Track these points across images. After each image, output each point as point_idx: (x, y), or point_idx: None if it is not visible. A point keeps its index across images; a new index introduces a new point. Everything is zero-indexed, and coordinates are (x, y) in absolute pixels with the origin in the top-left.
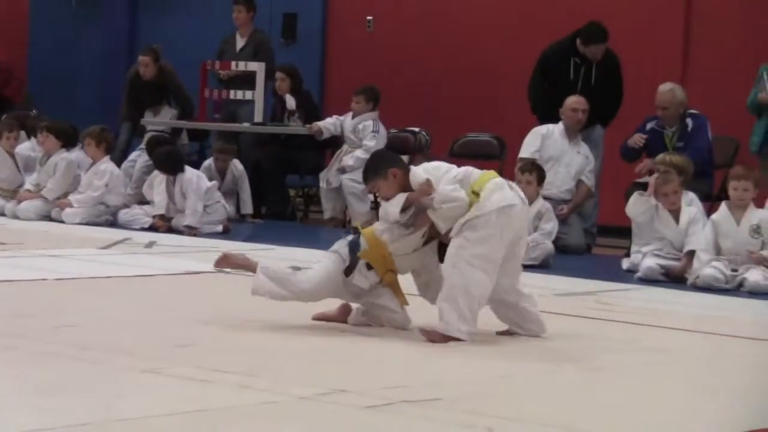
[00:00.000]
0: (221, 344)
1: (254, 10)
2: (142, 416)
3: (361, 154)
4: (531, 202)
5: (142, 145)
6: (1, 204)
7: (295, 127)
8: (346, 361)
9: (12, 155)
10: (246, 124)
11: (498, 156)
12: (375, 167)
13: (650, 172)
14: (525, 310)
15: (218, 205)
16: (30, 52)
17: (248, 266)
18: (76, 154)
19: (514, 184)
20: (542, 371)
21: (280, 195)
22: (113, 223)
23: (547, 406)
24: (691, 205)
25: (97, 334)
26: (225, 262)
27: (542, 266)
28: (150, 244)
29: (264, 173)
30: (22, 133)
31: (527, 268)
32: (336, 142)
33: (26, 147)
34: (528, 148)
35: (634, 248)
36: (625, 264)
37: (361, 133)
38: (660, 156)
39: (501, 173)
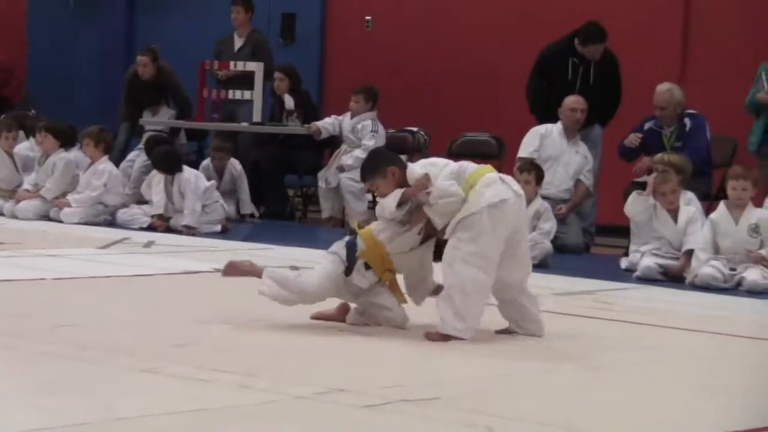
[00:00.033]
0: (220, 344)
1: (252, 11)
2: (140, 415)
3: (360, 153)
4: (529, 201)
5: (141, 145)
6: None
7: (293, 126)
8: (344, 361)
9: (10, 155)
10: (244, 124)
11: (497, 155)
12: (373, 166)
13: (649, 172)
14: (525, 309)
15: (217, 205)
16: (29, 52)
17: (255, 272)
18: (74, 153)
19: (508, 178)
20: (541, 370)
21: (279, 195)
22: (112, 223)
23: (545, 405)
24: (689, 204)
25: (95, 334)
26: (232, 270)
27: (541, 266)
28: (148, 244)
29: (262, 173)
30: (21, 133)
31: None
32: (334, 141)
33: (25, 147)
34: (526, 148)
35: (632, 247)
36: (624, 263)
37: (359, 132)
38: (658, 155)
39: (499, 173)
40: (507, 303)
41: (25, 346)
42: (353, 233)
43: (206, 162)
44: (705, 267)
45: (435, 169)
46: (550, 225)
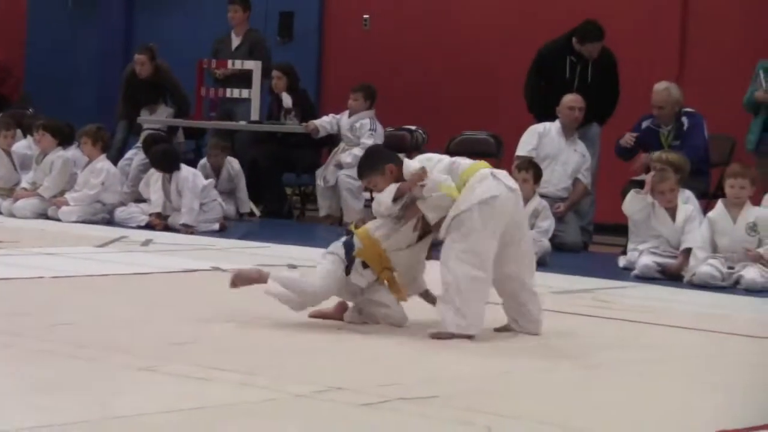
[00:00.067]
0: (218, 342)
1: (249, 10)
2: (138, 414)
3: (358, 151)
4: (528, 200)
5: (139, 144)
6: None
7: (291, 125)
8: (342, 359)
9: (8, 153)
10: (242, 123)
11: (495, 154)
12: (371, 163)
13: (647, 170)
14: (526, 308)
15: (215, 203)
16: (27, 53)
17: (262, 279)
18: (72, 152)
19: (501, 173)
20: (539, 368)
21: (277, 193)
22: (110, 221)
23: (544, 403)
24: (687, 202)
25: (93, 332)
26: (239, 280)
27: (539, 264)
28: (146, 242)
29: (260, 171)
30: (18, 132)
31: None
32: (332, 140)
33: (22, 145)
34: (525, 146)
35: (630, 246)
36: (622, 262)
37: (358, 131)
38: (656, 154)
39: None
40: (508, 297)
41: (22, 345)
42: (350, 233)
43: (204, 160)
44: (703, 265)
45: (430, 164)
46: (548, 223)
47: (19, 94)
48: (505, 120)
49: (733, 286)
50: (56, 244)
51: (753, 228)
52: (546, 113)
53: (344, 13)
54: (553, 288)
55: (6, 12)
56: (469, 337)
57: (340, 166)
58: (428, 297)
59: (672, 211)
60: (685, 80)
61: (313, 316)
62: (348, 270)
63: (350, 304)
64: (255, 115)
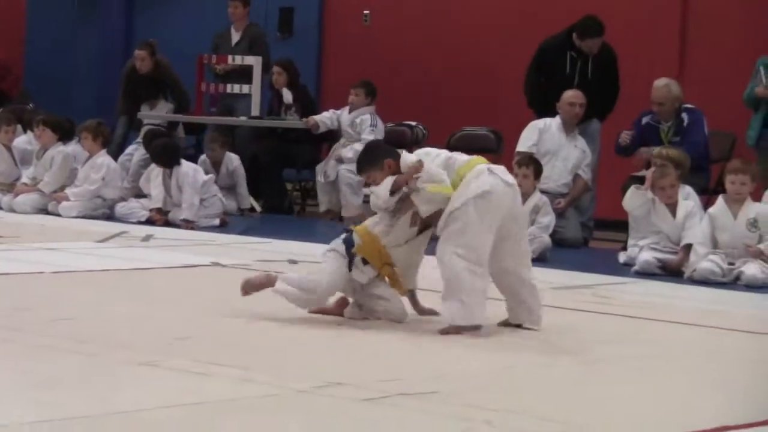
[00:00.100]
0: (218, 337)
1: (249, 5)
2: (138, 409)
3: (359, 147)
4: (528, 195)
5: (139, 139)
6: None
7: (291, 120)
8: (343, 354)
9: (9, 149)
10: (243, 118)
11: (495, 150)
12: (370, 158)
13: (647, 166)
14: (524, 301)
15: (215, 199)
16: (27, 52)
17: (271, 282)
18: (72, 147)
19: (498, 168)
20: (539, 364)
21: (277, 188)
22: (110, 217)
23: (544, 399)
24: (687, 198)
25: (93, 327)
26: (249, 286)
27: (539, 260)
28: (147, 238)
29: (261, 167)
30: (19, 127)
31: None
32: (332, 136)
33: (23, 140)
34: (525, 142)
35: (631, 242)
36: (622, 257)
37: (358, 127)
38: (657, 150)
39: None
40: (507, 292)
41: (22, 340)
42: (349, 231)
43: (204, 156)
44: (703, 261)
45: (428, 158)
46: (548, 219)
47: (19, 90)
48: (505, 116)
49: (733, 282)
50: (56, 239)
51: (753, 224)
52: (546, 109)
53: (344, 8)
54: (553, 284)
55: (5, 11)
56: (478, 327)
57: (340, 160)
58: (414, 299)
59: (672, 207)
60: (685, 76)
61: (313, 311)
62: (350, 266)
63: (350, 299)
64: (255, 110)
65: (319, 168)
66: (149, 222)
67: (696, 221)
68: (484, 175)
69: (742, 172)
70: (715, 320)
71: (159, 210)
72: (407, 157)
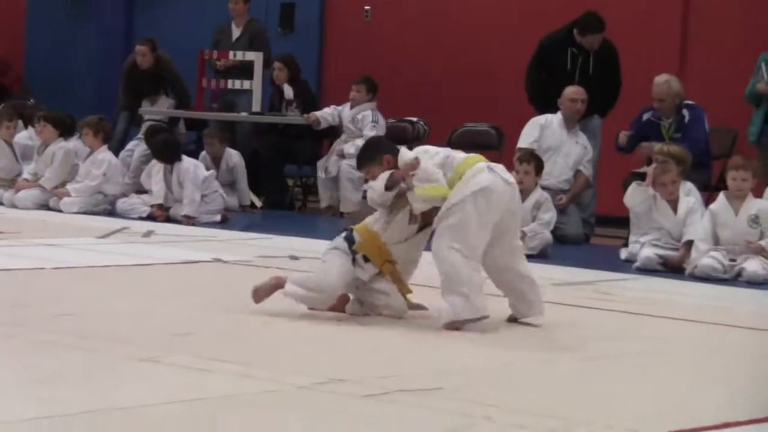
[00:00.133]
0: (219, 333)
1: (249, 0)
2: (140, 405)
3: (361, 143)
4: (529, 192)
5: (140, 135)
6: None
7: (292, 116)
8: (343, 351)
9: (10, 144)
10: (244, 114)
11: (496, 146)
12: (370, 154)
13: (648, 162)
14: (524, 295)
15: (216, 195)
16: (28, 48)
17: (280, 285)
18: (73, 143)
19: (498, 167)
20: (540, 360)
21: (278, 184)
22: (111, 213)
23: (544, 395)
24: (689, 195)
25: (94, 323)
26: (260, 293)
27: (541, 256)
28: (148, 234)
29: (262, 163)
30: (20, 123)
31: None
32: (334, 131)
33: (24, 136)
34: (526, 138)
35: (632, 238)
36: (624, 254)
37: (360, 123)
38: (658, 146)
39: (499, 163)
40: (506, 288)
41: (24, 336)
42: (349, 229)
43: (205, 152)
44: (705, 258)
45: (426, 156)
46: (549, 215)
47: (20, 86)
48: (507, 112)
49: (734, 279)
50: (58, 235)
51: (755, 220)
52: (547, 105)
53: (345, 4)
54: (554, 280)
55: (6, 6)
56: (485, 318)
57: (342, 156)
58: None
59: (674, 204)
60: (686, 72)
61: (314, 308)
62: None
63: (351, 296)
64: (256, 106)
65: (320, 164)
66: (150, 218)
67: (697, 218)
68: (484, 172)
69: (744, 169)
70: (717, 317)
71: (160, 206)
72: (405, 154)
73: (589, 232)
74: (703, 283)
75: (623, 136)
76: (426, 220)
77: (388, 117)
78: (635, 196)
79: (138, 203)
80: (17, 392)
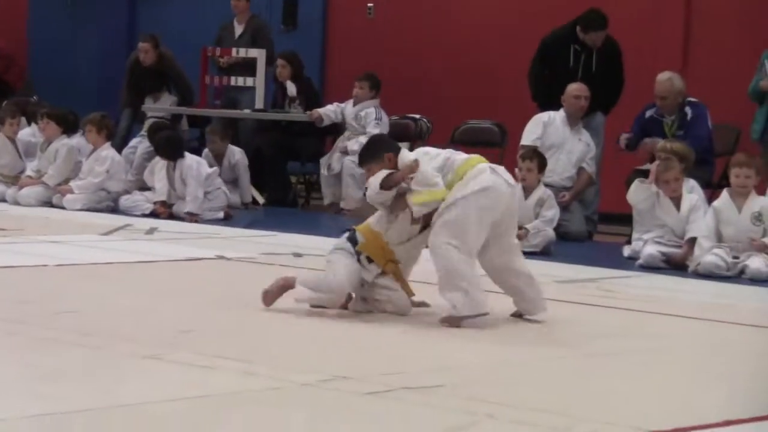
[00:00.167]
0: (222, 330)
1: None
2: (143, 402)
3: (365, 140)
4: (532, 189)
5: (143, 132)
6: (2, 190)
7: (295, 113)
8: (346, 348)
9: (13, 141)
10: (247, 111)
11: (499, 143)
12: (372, 151)
13: (651, 160)
14: (523, 292)
15: (219, 192)
16: (30, 44)
17: (289, 285)
18: (76, 140)
19: (500, 168)
20: (543, 357)
21: (281, 182)
22: (114, 210)
23: (547, 392)
24: (692, 192)
25: (97, 320)
26: (270, 296)
27: (544, 253)
28: (151, 231)
29: (265, 160)
30: (23, 119)
31: (528, 255)
32: (337, 129)
33: (27, 133)
34: (529, 136)
35: (635, 235)
36: (627, 251)
37: (363, 120)
38: (661, 143)
39: (502, 161)
40: (505, 287)
41: (26, 333)
42: (351, 230)
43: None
44: (708, 255)
45: (426, 158)
46: (553, 213)
47: (23, 82)
48: (509, 109)
49: (738, 276)
50: (61, 232)
51: (758, 217)
52: (550, 102)
53: (348, 1)
54: (557, 277)
55: (8, 5)
56: (485, 314)
57: (345, 152)
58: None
59: (677, 201)
60: (689, 69)
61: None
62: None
63: (353, 294)
64: (259, 103)
65: (323, 161)
66: (153, 215)
67: (700, 215)
68: (486, 173)
69: (747, 166)
70: (720, 314)
71: (163, 203)
72: (405, 155)
73: (592, 230)
74: (706, 280)
75: (624, 140)
76: (427, 221)
77: (391, 114)
78: (638, 194)
79: (141, 200)
80: (19, 389)
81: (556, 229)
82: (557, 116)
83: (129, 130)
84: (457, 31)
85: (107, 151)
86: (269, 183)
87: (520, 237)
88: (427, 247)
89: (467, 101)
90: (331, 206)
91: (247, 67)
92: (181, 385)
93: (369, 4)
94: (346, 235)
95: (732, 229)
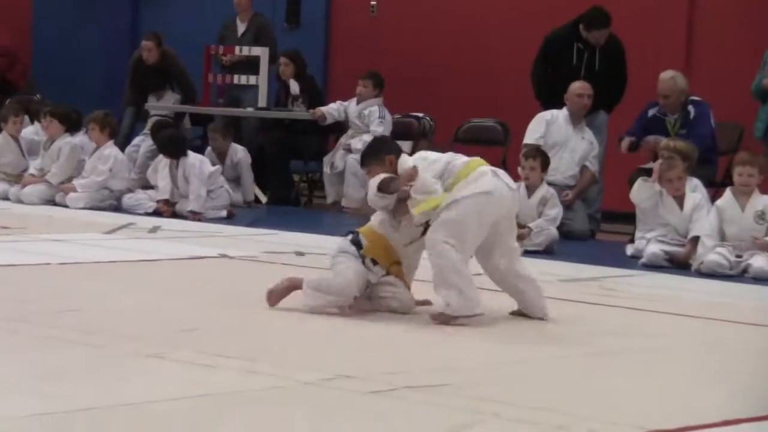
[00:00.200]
0: (225, 329)
1: None
2: (145, 401)
3: (369, 138)
4: (535, 188)
5: (146, 130)
6: (5, 188)
7: (298, 112)
8: (350, 347)
9: (16, 139)
10: (250, 109)
11: (502, 142)
12: (374, 152)
13: (654, 158)
14: (524, 294)
15: (222, 190)
16: (34, 42)
17: (295, 286)
18: (79, 138)
19: (500, 171)
20: (546, 356)
21: (284, 180)
22: (117, 208)
23: (550, 391)
24: (695, 191)
25: (100, 319)
26: (275, 296)
27: (547, 252)
28: (154, 229)
29: (268, 158)
30: (26, 118)
31: (532, 253)
32: (340, 127)
33: (30, 131)
34: (532, 134)
35: (638, 234)
36: (630, 250)
37: (366, 118)
38: (664, 142)
39: (505, 159)
40: (508, 289)
41: (29, 331)
42: (353, 232)
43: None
44: (711, 254)
45: (425, 163)
46: (556, 211)
47: (26, 80)
48: (512, 108)
49: (740, 275)
50: (64, 230)
51: (761, 216)
52: (553, 101)
53: None
54: (560, 276)
55: (11, 3)
56: (480, 315)
57: (349, 150)
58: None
59: (680, 200)
60: (692, 68)
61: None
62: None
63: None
64: (262, 101)
65: (326, 159)
66: (156, 213)
67: (703, 213)
68: (488, 176)
69: (750, 164)
70: (723, 313)
71: (166, 201)
72: (404, 161)
73: (595, 228)
74: (709, 279)
75: (625, 144)
76: (429, 225)
77: (394, 112)
78: (641, 192)
79: (144, 199)
80: (21, 388)
81: (559, 228)
82: (560, 115)
83: (132, 129)
84: (461, 30)
85: (110, 149)
86: (272, 181)
87: (523, 236)
88: None
89: (470, 99)
90: (334, 205)
91: (250, 65)
92: (183, 383)
93: (372, 3)
94: (349, 237)
95: (735, 227)
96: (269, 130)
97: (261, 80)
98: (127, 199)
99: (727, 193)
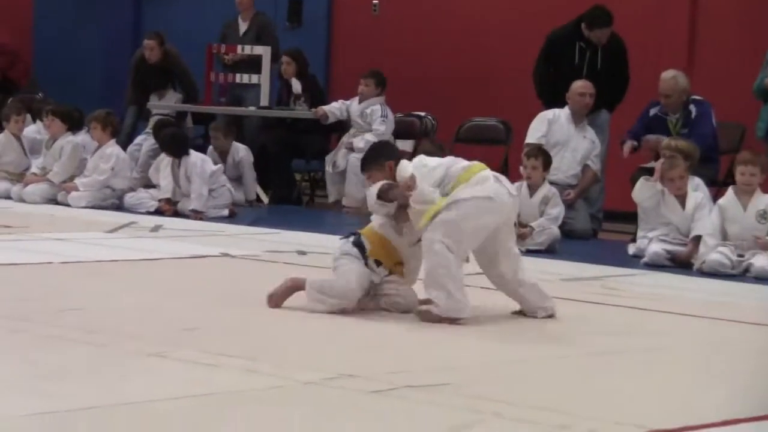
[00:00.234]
0: (227, 328)
1: None
2: (147, 400)
3: (371, 137)
4: (537, 187)
5: (148, 129)
6: (7, 187)
7: (300, 111)
8: (351, 346)
9: (18, 138)
10: (251, 108)
11: (504, 141)
12: (375, 157)
13: (656, 157)
14: (526, 298)
15: (223, 189)
16: (35, 41)
17: (297, 287)
18: (81, 137)
19: (501, 177)
20: (547, 356)
21: (286, 179)
22: (119, 207)
23: (551, 390)
24: (697, 190)
25: (102, 318)
26: (276, 299)
27: (548, 251)
28: (156, 228)
29: (270, 157)
30: (28, 116)
31: (533, 253)
32: (342, 126)
33: (32, 130)
34: (534, 133)
35: (640, 233)
36: (631, 249)
37: (368, 117)
38: (666, 141)
39: (506, 158)
40: (511, 295)
41: (31, 330)
42: (354, 234)
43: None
44: (713, 253)
45: (425, 170)
46: (557, 210)
47: (28, 79)
48: (514, 107)
49: (742, 274)
50: (65, 229)
51: (763, 215)
52: (555, 100)
53: None
54: (562, 275)
55: (13, 2)
56: (458, 320)
57: (351, 149)
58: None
59: (682, 199)
60: (694, 67)
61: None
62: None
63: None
64: (264, 100)
65: (328, 158)
66: (158, 212)
67: (705, 213)
68: (490, 181)
69: (752, 164)
70: (724, 312)
71: (168, 200)
72: (403, 169)
73: (596, 227)
74: (711, 278)
75: (627, 148)
76: None
77: (396, 111)
78: (643, 192)
79: (146, 198)
80: (23, 387)
81: (561, 227)
82: (562, 114)
83: (134, 128)
84: (463, 29)
85: (112, 148)
86: (274, 180)
87: (525, 235)
88: None
89: (472, 98)
90: (336, 204)
91: (252, 64)
92: (185, 382)
93: (374, 1)
94: (351, 239)
95: (737, 227)
96: (271, 129)
97: (263, 79)
98: (129, 198)
99: (729, 192)
